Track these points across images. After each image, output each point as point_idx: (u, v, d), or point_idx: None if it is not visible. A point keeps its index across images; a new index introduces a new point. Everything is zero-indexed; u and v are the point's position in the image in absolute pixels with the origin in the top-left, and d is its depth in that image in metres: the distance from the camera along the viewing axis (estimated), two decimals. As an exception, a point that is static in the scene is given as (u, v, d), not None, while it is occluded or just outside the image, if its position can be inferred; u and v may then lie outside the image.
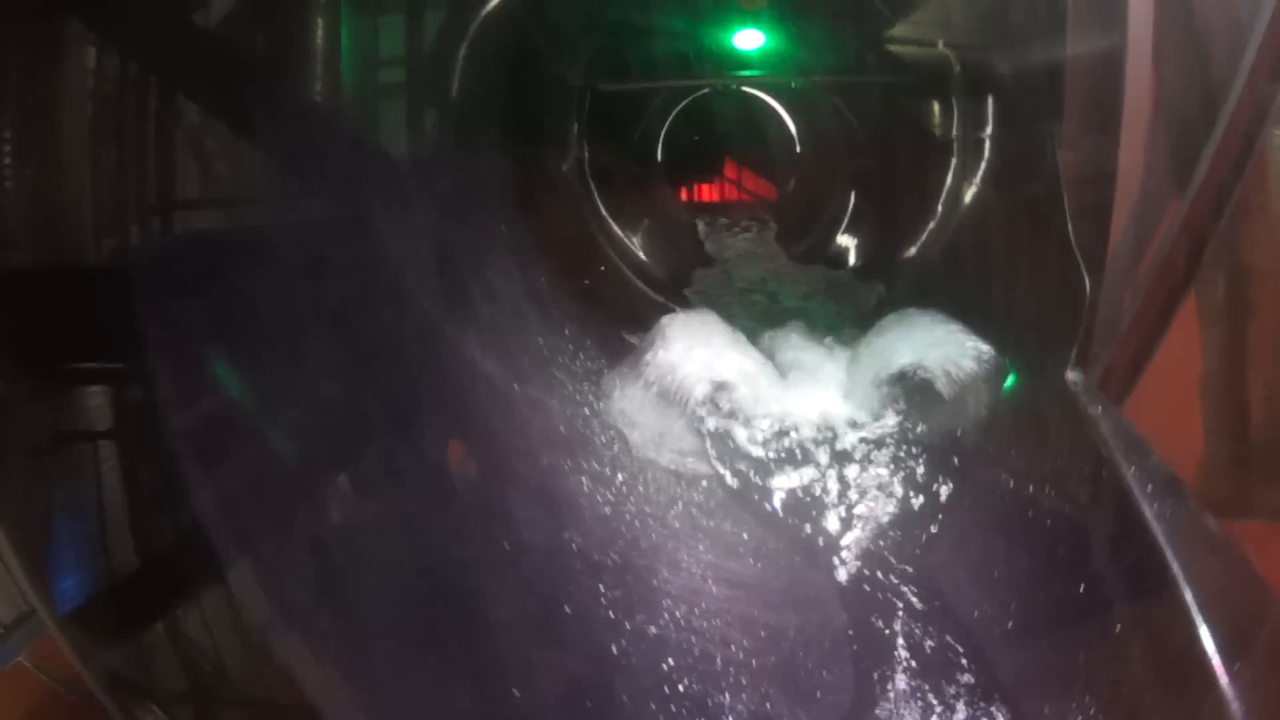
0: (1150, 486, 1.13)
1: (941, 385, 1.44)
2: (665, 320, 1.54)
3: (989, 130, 1.73)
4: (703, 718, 0.90)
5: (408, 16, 1.32)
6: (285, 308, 0.91)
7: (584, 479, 1.15)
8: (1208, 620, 0.92)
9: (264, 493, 0.83)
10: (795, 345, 1.68)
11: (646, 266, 1.88)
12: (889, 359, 1.54)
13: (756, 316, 1.84)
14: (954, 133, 1.81)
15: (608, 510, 1.12)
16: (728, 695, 0.94)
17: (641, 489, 1.20)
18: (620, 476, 1.19)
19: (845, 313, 1.83)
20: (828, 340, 1.69)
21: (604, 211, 1.89)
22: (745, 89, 2.03)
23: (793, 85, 2.00)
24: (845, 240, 2.02)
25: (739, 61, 1.94)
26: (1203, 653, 0.88)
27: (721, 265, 2.05)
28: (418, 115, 1.35)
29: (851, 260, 1.99)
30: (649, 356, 1.43)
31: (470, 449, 1.02)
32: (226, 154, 0.98)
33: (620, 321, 1.63)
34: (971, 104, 1.76)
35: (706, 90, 2.08)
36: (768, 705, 0.94)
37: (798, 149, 2.11)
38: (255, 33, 1.05)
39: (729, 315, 1.77)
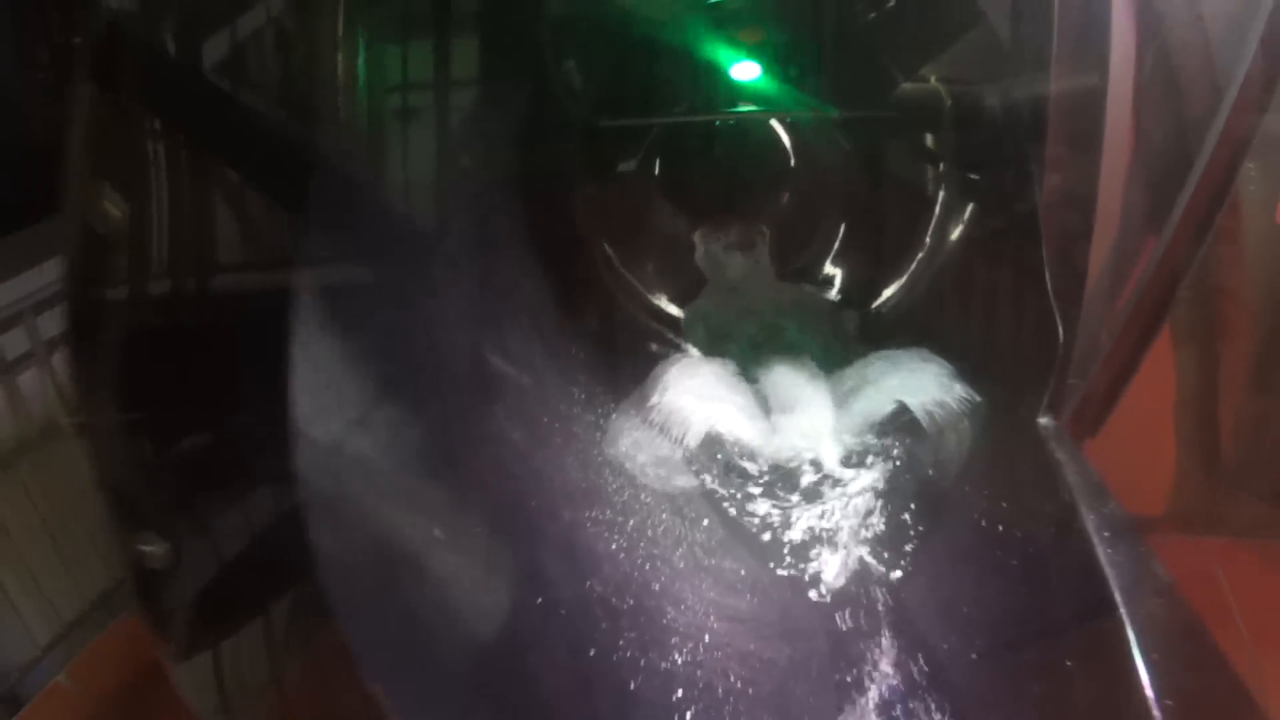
0: (1106, 532, 1.29)
1: (925, 426, 1.60)
2: (666, 366, 1.71)
3: (976, 164, 1.87)
4: None
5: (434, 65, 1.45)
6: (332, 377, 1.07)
7: (601, 529, 1.31)
8: (1145, 658, 1.08)
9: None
10: (788, 381, 1.82)
11: (648, 297, 2.02)
12: (876, 399, 1.70)
13: (750, 347, 1.97)
14: (941, 166, 1.95)
15: (622, 556, 1.28)
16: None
17: (650, 533, 1.35)
18: (631, 522, 1.35)
19: (833, 345, 1.97)
20: (817, 377, 1.83)
21: (607, 249, 2.02)
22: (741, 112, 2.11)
23: (787, 119, 2.09)
24: (835, 266, 2.14)
25: (735, 93, 2.03)
26: (1140, 688, 1.04)
27: (717, 287, 2.17)
28: (440, 173, 1.49)
29: (839, 286, 2.11)
30: (652, 401, 1.60)
31: (504, 516, 1.18)
32: (265, 220, 1.10)
33: (623, 361, 1.78)
34: (960, 138, 1.88)
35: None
36: None
37: (792, 163, 2.19)
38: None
39: (723, 346, 1.93)
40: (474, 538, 1.11)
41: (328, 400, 1.03)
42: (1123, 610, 1.19)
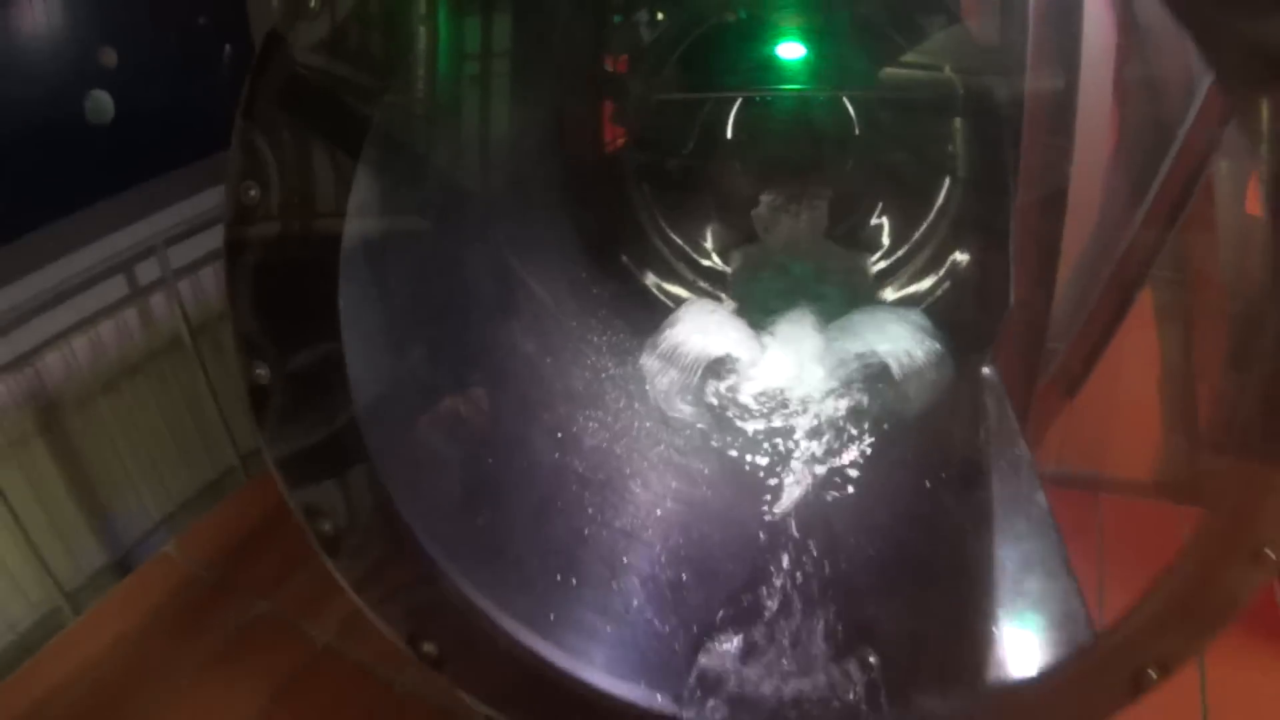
0: (1007, 468, 1.52)
1: (893, 370, 1.88)
2: (682, 306, 2.04)
3: (982, 147, 2.10)
4: (635, 577, 1.42)
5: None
6: (397, 304, 1.43)
7: (590, 423, 1.66)
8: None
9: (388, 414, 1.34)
10: (796, 325, 2.12)
11: (687, 249, 2.32)
12: (858, 344, 1.98)
13: (776, 295, 2.23)
14: (950, 148, 2.19)
15: (604, 445, 1.62)
16: (658, 568, 1.45)
17: (634, 433, 1.69)
18: (619, 423, 1.69)
19: (845, 297, 2.23)
20: (820, 322, 2.12)
21: (654, 206, 2.29)
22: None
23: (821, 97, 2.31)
24: (871, 230, 2.39)
25: (783, 71, 2.19)
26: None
27: (763, 244, 2.40)
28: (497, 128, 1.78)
29: (866, 245, 2.36)
30: (664, 334, 1.93)
31: (508, 403, 1.54)
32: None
33: (649, 301, 2.11)
34: (971, 124, 2.12)
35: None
36: (682, 575, 1.43)
37: (857, 132, 2.27)
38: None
39: (752, 293, 2.22)
40: (480, 414, 1.47)
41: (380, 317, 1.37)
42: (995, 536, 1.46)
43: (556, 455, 1.52)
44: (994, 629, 1.29)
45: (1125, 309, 1.85)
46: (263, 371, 1.07)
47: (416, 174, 1.50)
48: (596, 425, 1.66)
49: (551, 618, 1.26)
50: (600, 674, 1.21)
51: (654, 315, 1.99)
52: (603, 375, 1.78)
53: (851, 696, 1.19)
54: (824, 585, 1.37)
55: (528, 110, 1.85)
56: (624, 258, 2.15)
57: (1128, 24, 1.65)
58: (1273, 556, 0.92)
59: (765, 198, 2.39)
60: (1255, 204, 1.64)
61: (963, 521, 1.49)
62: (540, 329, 1.68)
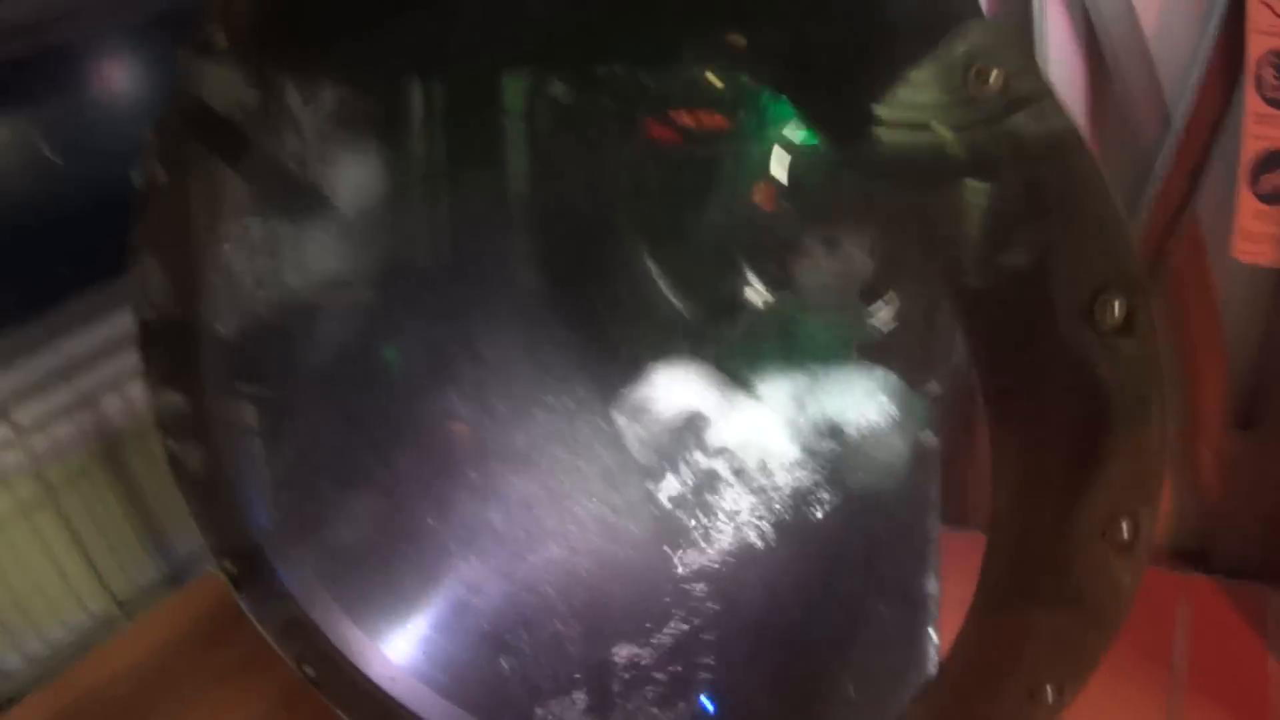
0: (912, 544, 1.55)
1: (848, 436, 1.94)
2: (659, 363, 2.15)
3: None
4: (523, 628, 1.55)
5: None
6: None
7: (523, 481, 1.78)
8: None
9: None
10: (773, 380, 2.19)
11: (676, 302, 2.38)
12: (824, 403, 2.05)
13: (756, 348, 2.28)
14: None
15: (532, 502, 1.77)
16: (549, 619, 1.58)
17: (570, 491, 1.82)
18: (555, 481, 1.82)
19: (834, 354, 2.27)
20: (802, 377, 2.18)
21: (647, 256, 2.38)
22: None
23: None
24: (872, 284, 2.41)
25: None
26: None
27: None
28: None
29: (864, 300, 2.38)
30: (634, 387, 2.05)
31: (430, 464, 1.70)
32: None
33: (618, 358, 2.20)
34: None
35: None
36: (571, 629, 1.56)
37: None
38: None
39: (734, 347, 2.29)
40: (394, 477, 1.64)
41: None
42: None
43: (474, 511, 1.67)
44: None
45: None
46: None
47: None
48: (529, 482, 1.80)
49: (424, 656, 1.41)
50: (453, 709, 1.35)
51: (623, 367, 2.10)
52: (549, 434, 1.92)
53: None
54: (694, 650, 1.47)
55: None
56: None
57: (1093, 47, 1.61)
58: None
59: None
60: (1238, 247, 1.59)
61: (853, 597, 1.54)
62: (481, 394, 1.83)
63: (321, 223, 1.52)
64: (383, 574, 1.50)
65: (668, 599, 1.60)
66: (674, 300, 2.47)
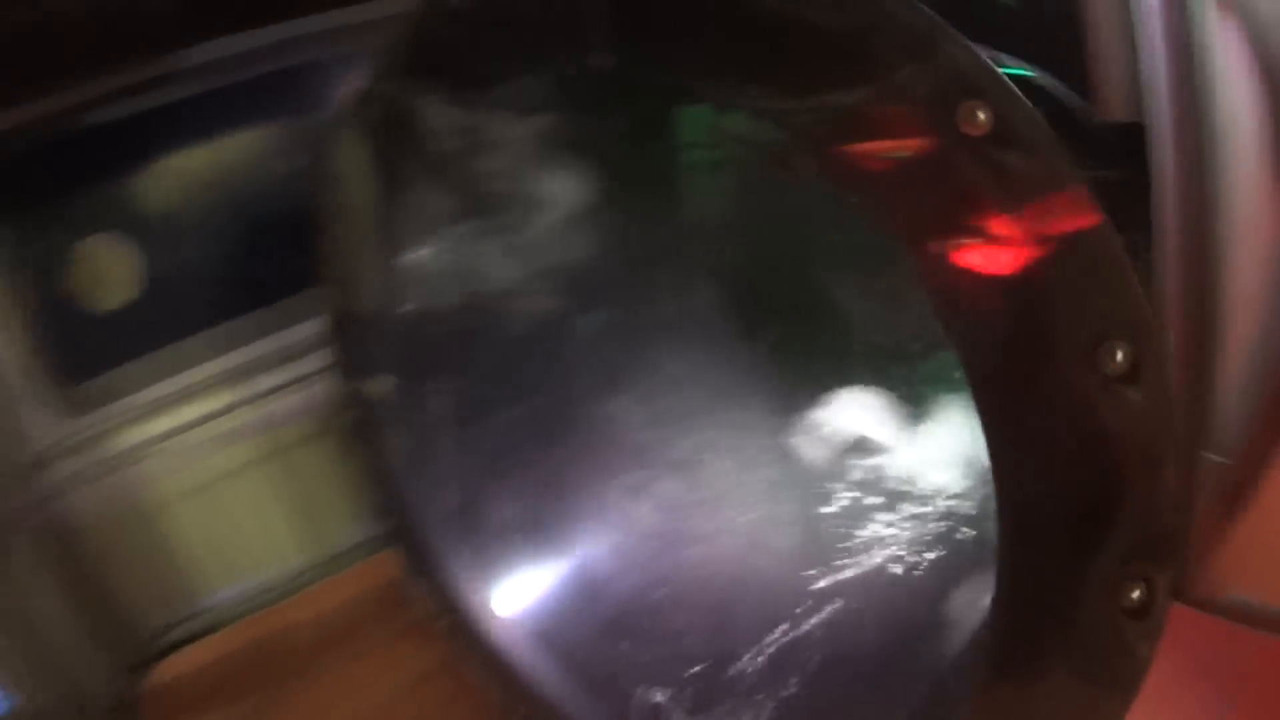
0: None
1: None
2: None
3: None
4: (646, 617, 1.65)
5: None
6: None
7: (682, 488, 1.90)
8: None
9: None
10: (957, 415, 2.20)
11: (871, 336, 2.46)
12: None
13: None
14: None
15: (684, 508, 1.87)
16: (671, 615, 1.67)
17: (724, 501, 1.92)
18: (711, 491, 1.92)
19: None
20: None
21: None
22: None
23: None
24: None
25: None
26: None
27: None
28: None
29: None
30: (811, 409, 2.12)
31: (594, 464, 1.82)
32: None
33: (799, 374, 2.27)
34: None
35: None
36: (689, 627, 1.64)
37: None
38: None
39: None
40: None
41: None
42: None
43: (627, 507, 1.79)
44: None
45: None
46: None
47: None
48: (686, 488, 1.90)
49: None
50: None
51: (801, 390, 2.18)
52: (715, 445, 2.01)
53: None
54: (795, 665, 1.53)
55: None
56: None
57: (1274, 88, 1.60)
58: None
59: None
60: None
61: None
62: (651, 401, 1.95)
63: (511, 233, 1.66)
64: (529, 554, 1.64)
65: (797, 611, 1.66)
66: (868, 330, 2.52)
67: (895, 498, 1.96)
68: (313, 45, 2.40)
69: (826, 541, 1.84)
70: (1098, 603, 0.79)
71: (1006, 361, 0.75)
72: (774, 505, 1.95)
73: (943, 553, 1.79)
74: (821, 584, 1.76)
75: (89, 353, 2.70)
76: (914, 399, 2.16)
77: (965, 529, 1.80)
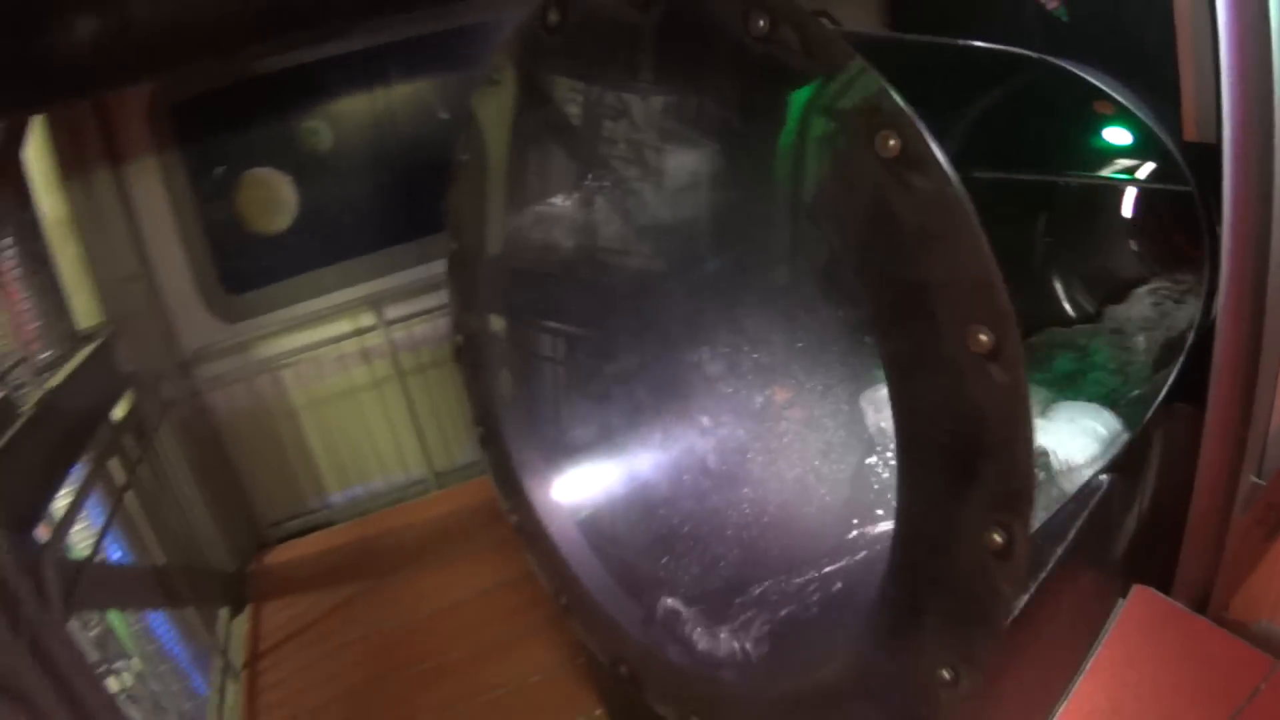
0: None
1: (1050, 465, 2.08)
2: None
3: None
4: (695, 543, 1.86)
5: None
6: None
7: (744, 435, 2.10)
8: None
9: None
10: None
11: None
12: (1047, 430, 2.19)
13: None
14: None
15: (745, 453, 2.07)
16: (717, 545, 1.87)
17: (782, 452, 2.11)
18: (772, 444, 2.12)
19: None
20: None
21: None
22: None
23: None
24: None
25: None
26: None
27: None
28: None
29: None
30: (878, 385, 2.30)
31: (672, 406, 2.04)
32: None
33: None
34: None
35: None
36: (728, 555, 1.84)
37: None
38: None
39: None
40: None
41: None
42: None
43: (695, 447, 1.99)
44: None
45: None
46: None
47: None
48: (752, 437, 2.10)
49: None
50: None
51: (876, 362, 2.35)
52: (789, 403, 2.20)
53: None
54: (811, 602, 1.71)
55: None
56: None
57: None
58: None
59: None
60: None
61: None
62: (734, 358, 2.15)
63: (623, 196, 1.87)
64: (598, 471, 1.86)
65: (824, 558, 1.84)
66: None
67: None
68: (468, 10, 2.67)
69: (864, 502, 2.01)
70: (969, 544, 0.97)
71: (907, 341, 0.95)
72: (825, 464, 2.12)
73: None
74: (851, 535, 1.93)
75: (247, 270, 3.07)
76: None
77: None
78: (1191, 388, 1.84)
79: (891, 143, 0.93)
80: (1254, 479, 1.75)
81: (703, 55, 1.17)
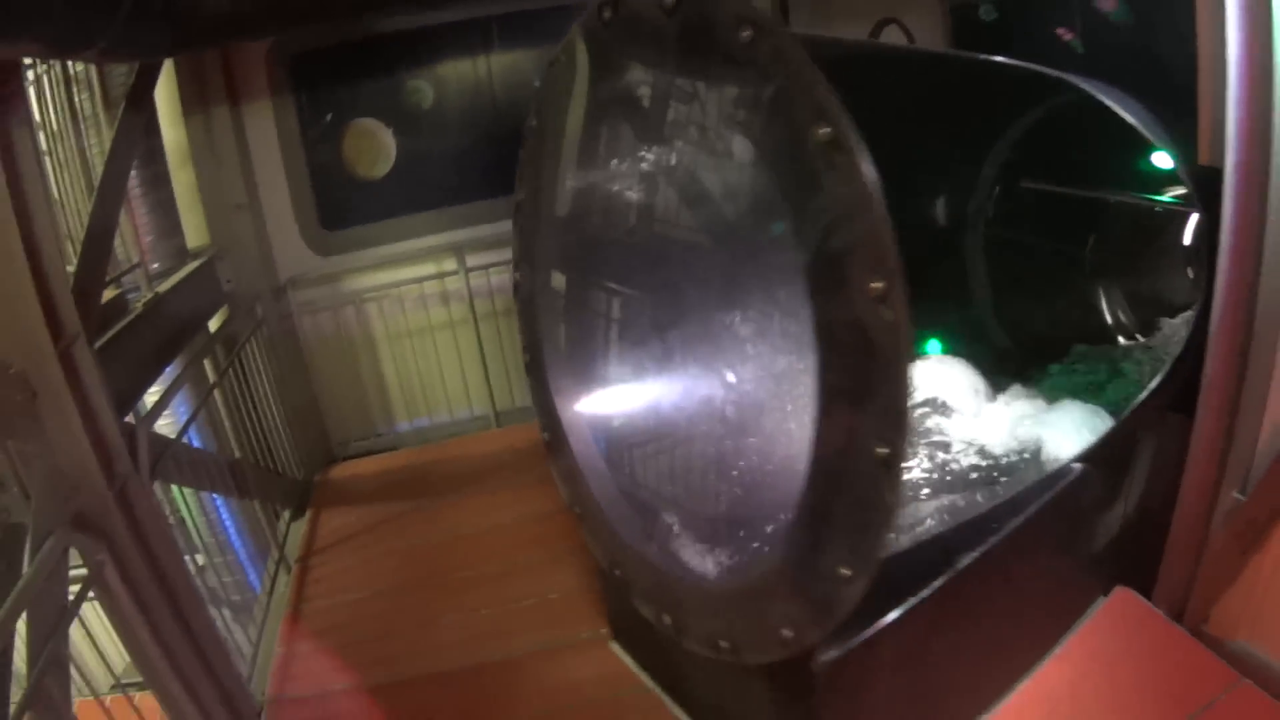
0: None
1: (1041, 456, 2.23)
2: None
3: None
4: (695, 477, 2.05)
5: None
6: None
7: (763, 393, 2.27)
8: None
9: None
10: (1026, 396, 2.49)
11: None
12: (1024, 425, 2.35)
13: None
14: None
15: (760, 406, 2.24)
16: (717, 481, 2.06)
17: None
18: (788, 406, 2.29)
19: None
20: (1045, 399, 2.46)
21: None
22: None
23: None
24: None
25: None
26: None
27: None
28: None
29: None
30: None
31: (699, 357, 2.22)
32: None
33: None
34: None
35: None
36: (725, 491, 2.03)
37: None
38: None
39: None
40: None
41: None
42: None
43: (708, 395, 2.17)
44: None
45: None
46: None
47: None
48: (767, 396, 2.27)
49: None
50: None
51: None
52: (803, 372, 2.37)
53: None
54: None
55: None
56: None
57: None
58: None
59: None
60: None
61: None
62: (764, 324, 2.32)
63: (673, 172, 2.06)
64: (621, 405, 2.06)
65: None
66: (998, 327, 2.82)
67: (936, 447, 2.30)
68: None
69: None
70: (862, 456, 1.19)
71: (827, 289, 1.20)
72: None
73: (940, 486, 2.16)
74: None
75: (343, 209, 3.37)
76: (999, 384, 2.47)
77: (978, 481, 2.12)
78: (1188, 399, 1.97)
79: (823, 131, 1.19)
80: (1236, 495, 1.84)
81: (709, 54, 1.42)
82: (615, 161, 1.98)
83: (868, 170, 1.11)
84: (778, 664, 1.52)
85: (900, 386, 1.13)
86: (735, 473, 1.97)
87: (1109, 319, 2.78)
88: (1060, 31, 2.53)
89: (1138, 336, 2.69)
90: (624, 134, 1.93)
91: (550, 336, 2.08)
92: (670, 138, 1.89)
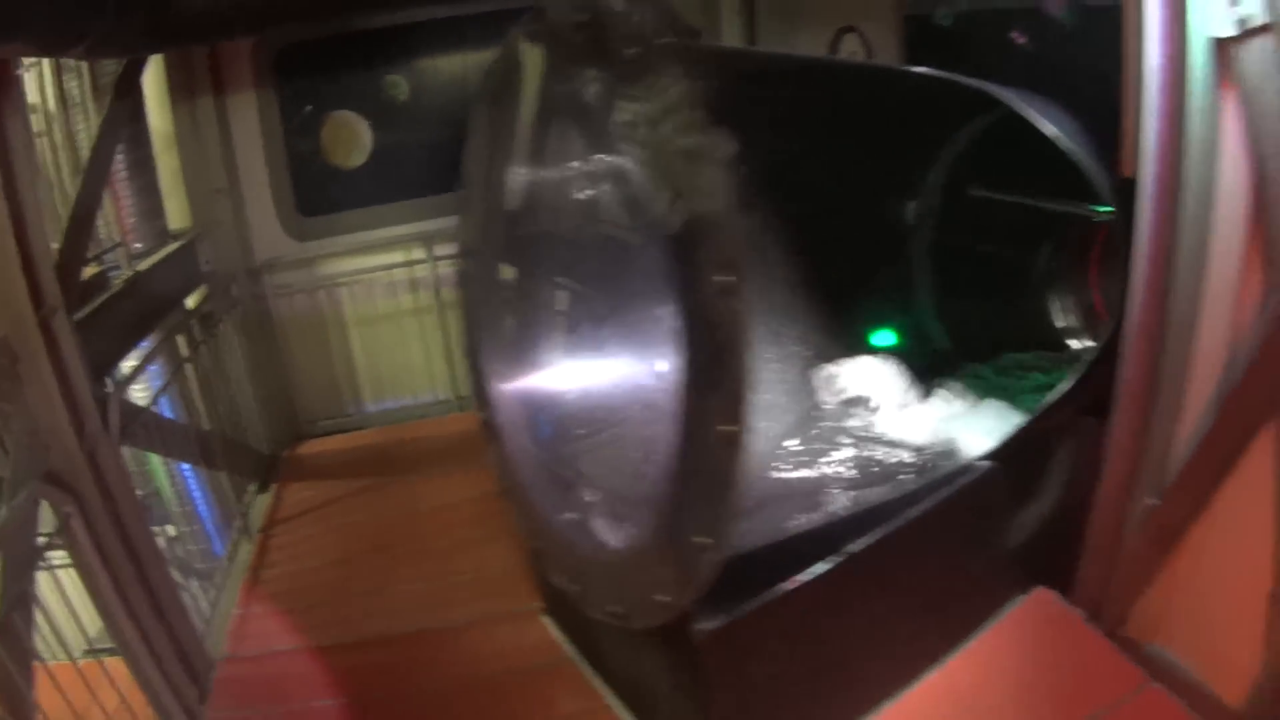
0: None
1: (956, 452, 2.34)
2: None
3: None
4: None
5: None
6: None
7: None
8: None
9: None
10: (950, 398, 2.63)
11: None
12: (946, 424, 2.48)
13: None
14: None
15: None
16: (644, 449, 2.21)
17: None
18: None
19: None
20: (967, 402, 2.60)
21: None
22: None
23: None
24: None
25: None
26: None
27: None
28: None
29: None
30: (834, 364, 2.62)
31: (631, 347, 2.37)
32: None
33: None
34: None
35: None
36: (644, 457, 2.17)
37: None
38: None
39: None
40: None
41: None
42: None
43: (644, 386, 2.30)
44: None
45: (1227, 466, 1.72)
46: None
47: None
48: (668, 383, 2.40)
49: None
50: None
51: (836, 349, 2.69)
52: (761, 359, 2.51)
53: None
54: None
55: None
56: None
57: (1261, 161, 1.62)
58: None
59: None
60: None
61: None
62: (662, 313, 2.42)
63: (622, 176, 2.18)
64: (548, 387, 2.21)
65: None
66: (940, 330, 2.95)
67: (859, 440, 2.49)
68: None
69: (777, 455, 2.35)
70: (713, 433, 1.37)
71: (688, 283, 1.39)
72: (762, 421, 2.41)
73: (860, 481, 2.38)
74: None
75: (320, 197, 3.53)
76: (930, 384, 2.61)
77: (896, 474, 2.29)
78: (1104, 403, 1.99)
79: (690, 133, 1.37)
80: (1149, 500, 1.88)
81: (614, 65, 1.60)
82: (547, 160, 2.10)
83: (718, 170, 1.29)
84: (668, 633, 1.68)
85: (740, 371, 1.32)
86: (640, 452, 2.11)
87: (1055, 324, 2.82)
88: (1014, 36, 2.57)
89: (1085, 342, 2.75)
90: (552, 135, 2.07)
91: (488, 321, 2.23)
92: (590, 140, 2.03)
